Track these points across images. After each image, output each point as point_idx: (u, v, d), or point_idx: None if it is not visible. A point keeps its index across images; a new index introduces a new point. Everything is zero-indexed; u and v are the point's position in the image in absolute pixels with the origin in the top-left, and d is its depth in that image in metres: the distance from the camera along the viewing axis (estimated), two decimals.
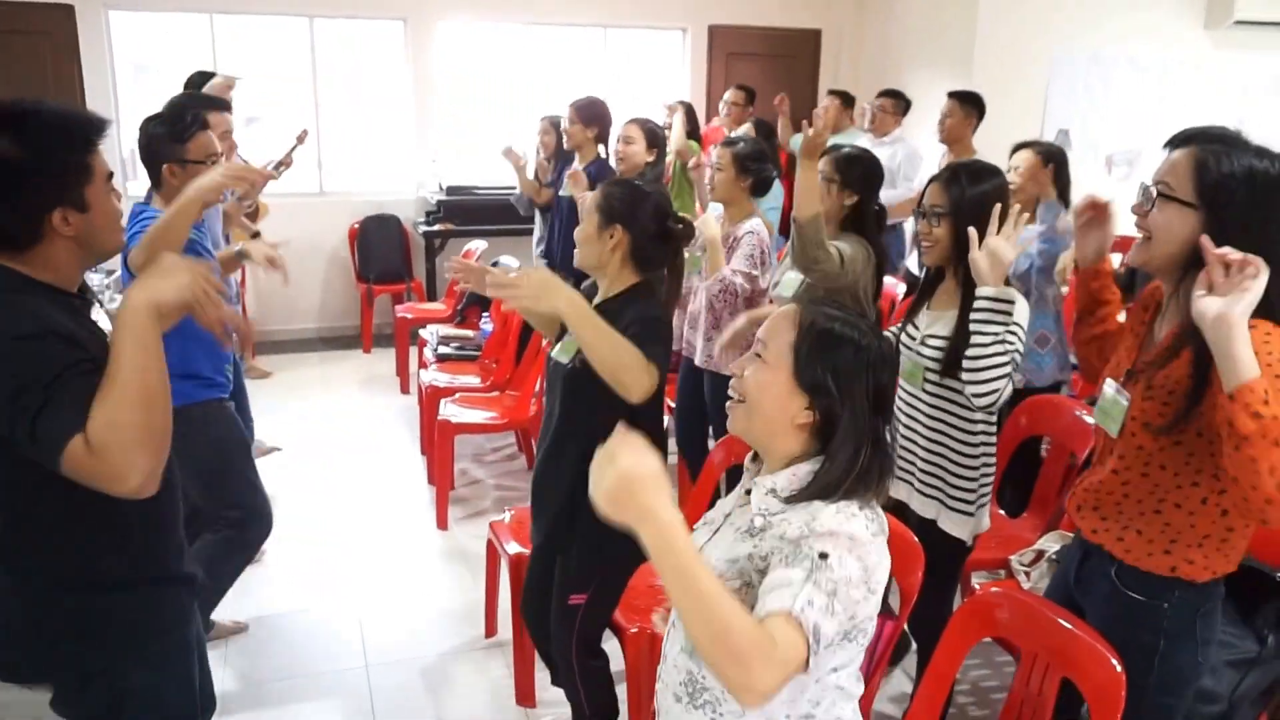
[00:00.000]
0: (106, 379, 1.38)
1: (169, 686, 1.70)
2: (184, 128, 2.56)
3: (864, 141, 5.51)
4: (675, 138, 4.97)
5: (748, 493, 1.39)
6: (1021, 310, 2.14)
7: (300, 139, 5.71)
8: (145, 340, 1.40)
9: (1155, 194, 1.62)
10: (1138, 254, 1.68)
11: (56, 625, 1.57)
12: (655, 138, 4.13)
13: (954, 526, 2.32)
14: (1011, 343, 2.11)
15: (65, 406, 1.36)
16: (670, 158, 4.87)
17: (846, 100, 5.82)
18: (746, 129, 4.81)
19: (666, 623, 1.52)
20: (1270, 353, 1.49)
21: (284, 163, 5.58)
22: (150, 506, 1.52)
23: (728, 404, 1.41)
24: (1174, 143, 1.65)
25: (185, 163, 2.55)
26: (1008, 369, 2.10)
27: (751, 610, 1.20)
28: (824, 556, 1.22)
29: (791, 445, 1.36)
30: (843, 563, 1.22)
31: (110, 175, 1.57)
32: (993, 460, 2.37)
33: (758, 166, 3.33)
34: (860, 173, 2.89)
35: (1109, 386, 1.78)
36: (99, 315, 1.63)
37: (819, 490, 1.30)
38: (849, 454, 1.31)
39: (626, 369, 1.99)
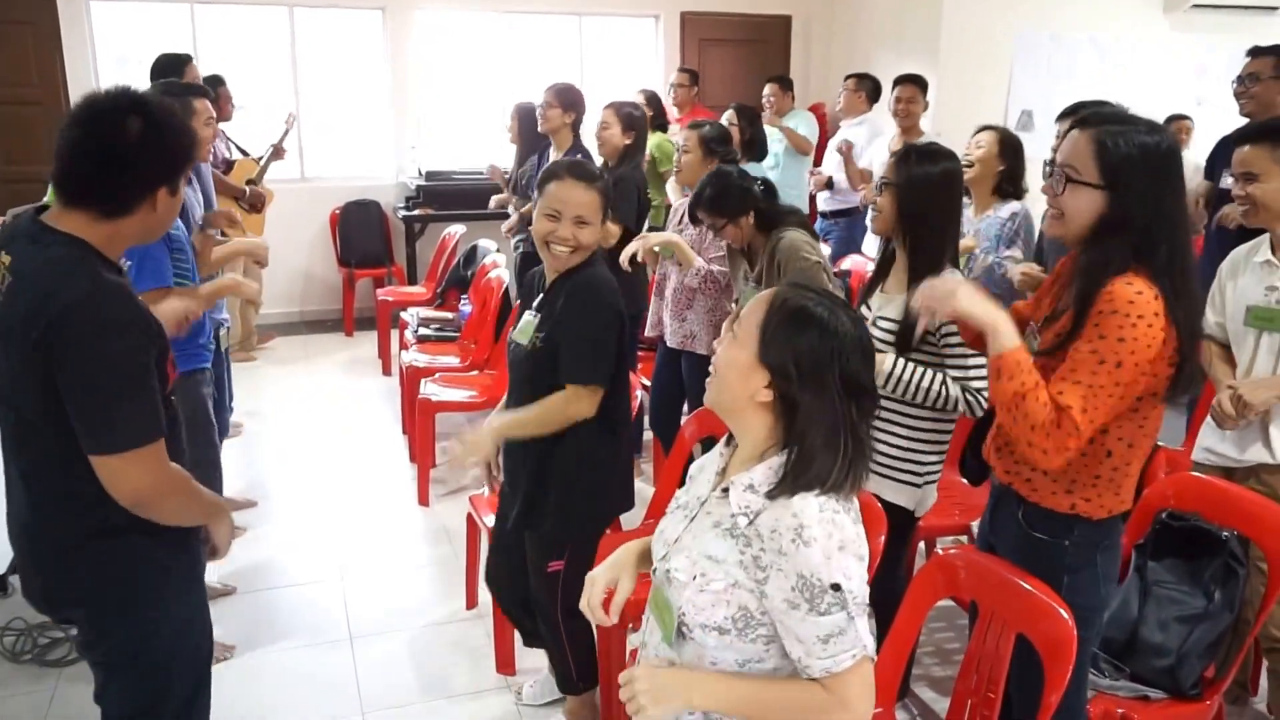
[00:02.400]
0: None
1: (194, 626, 1.78)
2: None
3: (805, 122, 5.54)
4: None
5: (725, 490, 1.34)
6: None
7: (288, 123, 5.65)
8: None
9: (1065, 178, 1.70)
10: (1053, 228, 1.78)
11: (91, 564, 1.63)
12: (632, 120, 4.09)
13: (895, 494, 2.34)
14: (934, 386, 2.21)
15: (146, 412, 1.51)
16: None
17: (785, 85, 5.80)
18: (729, 115, 4.78)
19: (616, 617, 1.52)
20: (1126, 319, 1.59)
21: (278, 151, 5.55)
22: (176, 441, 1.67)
23: (708, 381, 1.39)
24: (1067, 118, 1.75)
25: None
26: (950, 398, 2.20)
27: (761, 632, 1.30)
28: (837, 588, 1.23)
29: (757, 425, 1.33)
30: (849, 574, 1.24)
31: None
32: (944, 440, 2.38)
33: (723, 150, 3.33)
34: (729, 199, 2.91)
35: (1027, 331, 1.88)
36: None
37: (799, 484, 1.26)
38: (821, 441, 1.26)
39: (566, 420, 2.16)
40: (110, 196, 1.54)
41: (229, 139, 5.59)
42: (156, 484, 1.56)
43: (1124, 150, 1.63)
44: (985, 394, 2.20)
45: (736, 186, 2.93)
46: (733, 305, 3.26)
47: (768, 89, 5.74)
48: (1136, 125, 1.66)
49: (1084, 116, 1.72)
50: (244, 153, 5.65)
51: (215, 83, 5.17)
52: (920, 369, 2.21)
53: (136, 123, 1.53)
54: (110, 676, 1.74)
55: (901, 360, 2.22)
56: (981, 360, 2.19)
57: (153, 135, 1.54)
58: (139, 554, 1.65)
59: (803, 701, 1.27)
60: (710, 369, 1.38)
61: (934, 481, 2.39)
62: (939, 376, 2.20)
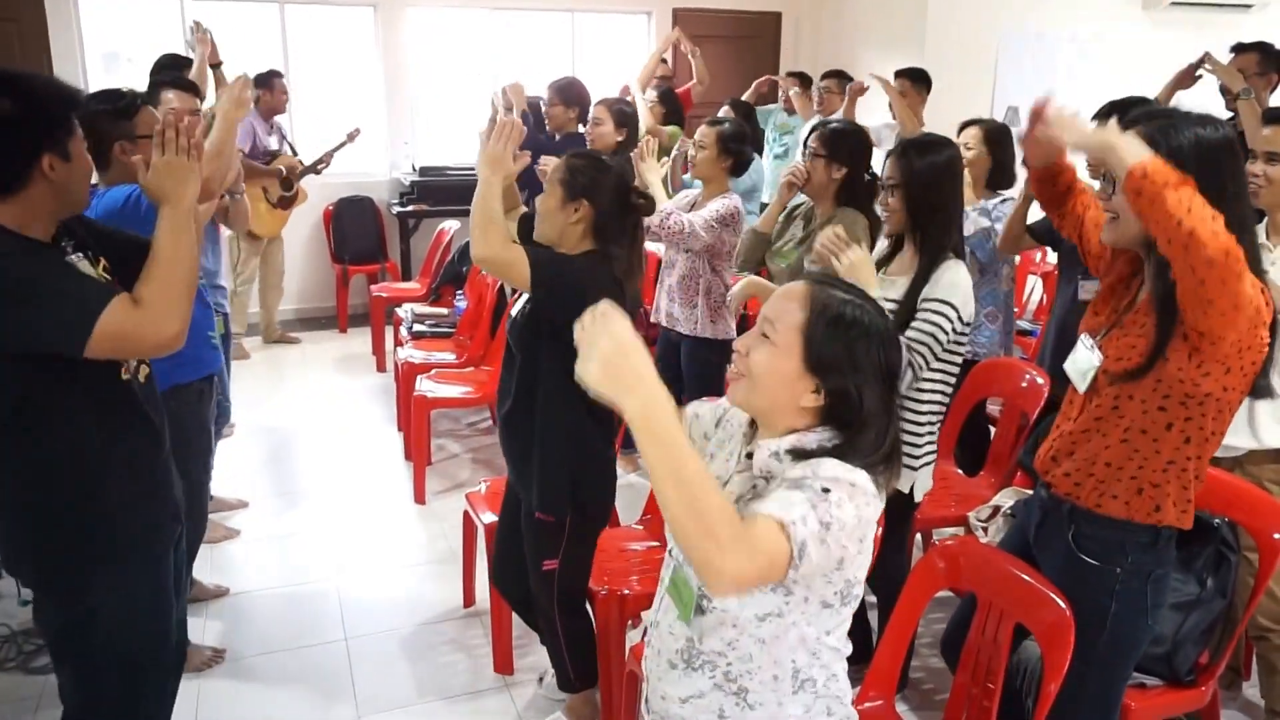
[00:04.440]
0: (153, 262, 1.60)
1: (139, 616, 1.76)
2: (128, 103, 2.41)
3: (815, 120, 5.51)
4: (644, 120, 4.90)
5: (748, 455, 1.33)
6: (957, 292, 2.23)
7: (351, 137, 5.70)
8: (186, 227, 1.64)
9: (1115, 179, 1.64)
10: (1108, 233, 1.72)
11: (43, 526, 1.66)
12: (624, 117, 4.07)
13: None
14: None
15: (80, 291, 1.54)
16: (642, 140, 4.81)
17: (804, 81, 5.80)
18: (725, 110, 4.76)
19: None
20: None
21: (324, 160, 5.63)
22: (143, 438, 1.75)
23: (729, 376, 1.35)
24: (1101, 118, 1.69)
25: (136, 138, 2.39)
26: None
27: None
28: (826, 490, 1.19)
29: (794, 421, 1.31)
30: (842, 505, 1.19)
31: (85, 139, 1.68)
32: (937, 422, 2.38)
33: (739, 148, 3.32)
34: (848, 146, 2.83)
35: (1084, 343, 1.79)
36: (80, 261, 1.69)
37: (833, 455, 1.24)
38: (876, 431, 1.27)
39: (496, 236, 2.05)
40: None
41: (282, 133, 5.65)
42: (157, 322, 1.57)
43: (1176, 142, 1.57)
44: (920, 374, 2.24)
45: (863, 145, 2.87)
46: (728, 283, 3.24)
47: (783, 82, 5.79)
48: (1188, 118, 1.61)
49: (1134, 116, 1.68)
50: (294, 151, 5.66)
51: (271, 76, 5.42)
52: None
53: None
54: (58, 666, 1.79)
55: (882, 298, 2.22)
56: (934, 345, 2.22)
57: (15, 106, 1.52)
58: (71, 539, 1.67)
59: (722, 502, 1.09)
60: (734, 369, 1.34)
61: (930, 464, 2.40)
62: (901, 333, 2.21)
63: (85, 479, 1.67)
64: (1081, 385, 1.76)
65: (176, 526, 1.87)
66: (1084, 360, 1.77)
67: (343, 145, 5.66)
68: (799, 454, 1.26)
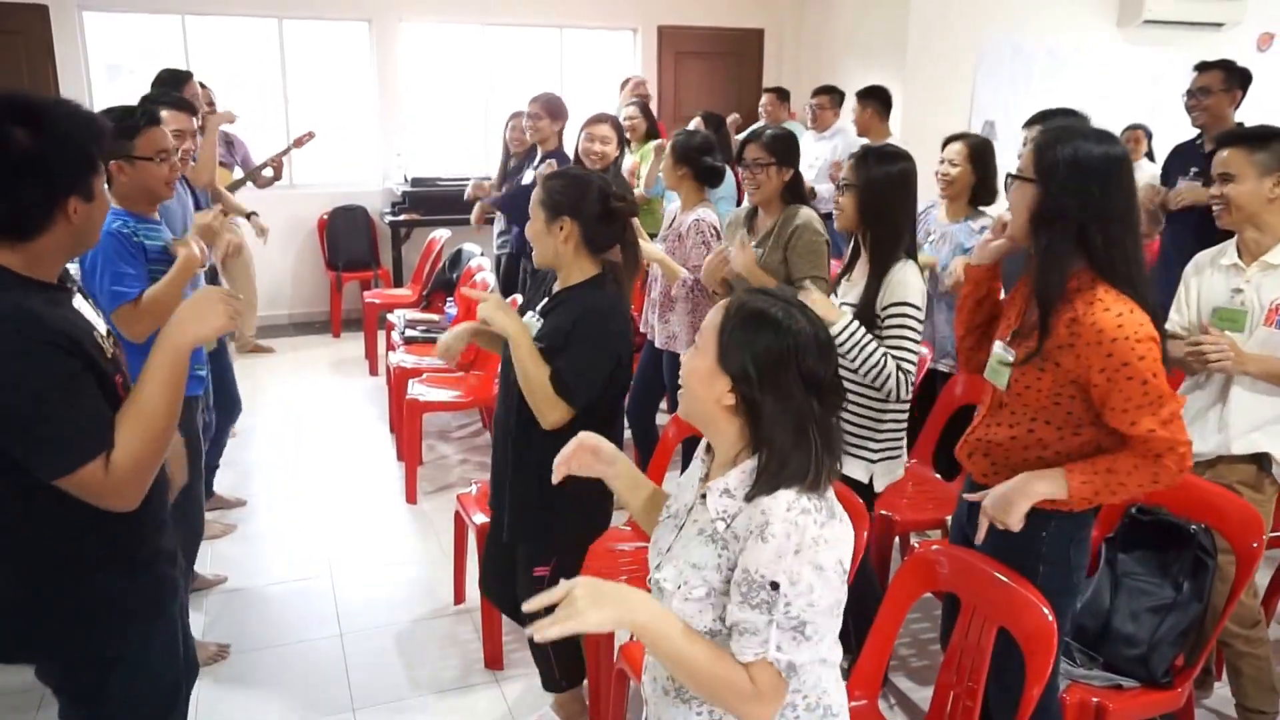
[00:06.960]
0: (136, 409, 1.38)
1: (155, 659, 1.61)
2: (132, 123, 2.32)
3: (808, 136, 5.47)
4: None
5: (704, 497, 1.30)
6: (911, 291, 2.28)
7: (299, 143, 5.11)
8: (179, 378, 1.42)
9: (1009, 178, 1.78)
10: (1008, 229, 1.83)
11: (44, 605, 1.46)
12: (622, 133, 4.05)
13: (849, 468, 2.37)
14: (875, 355, 2.25)
15: (80, 426, 1.33)
16: (637, 160, 4.77)
17: (782, 95, 5.78)
18: (696, 122, 4.72)
19: None
20: (1130, 342, 1.61)
21: (273, 163, 5.06)
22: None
23: (679, 391, 1.36)
24: (1030, 126, 1.80)
25: (134, 159, 2.32)
26: (884, 372, 2.25)
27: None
28: (775, 586, 1.17)
29: (728, 429, 1.27)
30: (795, 579, 1.17)
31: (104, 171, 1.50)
32: (901, 418, 2.41)
33: (696, 157, 3.24)
34: (790, 149, 2.88)
35: (998, 345, 1.86)
36: (81, 304, 1.51)
37: (770, 483, 1.21)
38: (790, 440, 1.21)
39: (541, 398, 2.05)
40: (8, 220, 1.34)
41: (231, 145, 5.17)
42: (119, 492, 1.37)
43: (1057, 148, 1.67)
44: (913, 377, 2.31)
45: (796, 145, 2.94)
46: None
47: (764, 98, 5.72)
48: (1082, 131, 1.69)
49: (1034, 119, 1.77)
50: (245, 164, 5.22)
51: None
52: (869, 337, 2.26)
53: (22, 134, 1.31)
54: (67, 706, 1.60)
55: (856, 322, 2.27)
56: (913, 345, 2.28)
57: (44, 145, 1.33)
58: (94, 596, 1.48)
59: (727, 674, 1.21)
60: (679, 379, 1.34)
61: (894, 457, 2.42)
62: (881, 350, 2.26)
63: (102, 535, 1.47)
64: (1001, 382, 1.82)
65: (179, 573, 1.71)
66: (999, 360, 1.83)
67: (287, 151, 5.16)
68: (749, 494, 1.23)
